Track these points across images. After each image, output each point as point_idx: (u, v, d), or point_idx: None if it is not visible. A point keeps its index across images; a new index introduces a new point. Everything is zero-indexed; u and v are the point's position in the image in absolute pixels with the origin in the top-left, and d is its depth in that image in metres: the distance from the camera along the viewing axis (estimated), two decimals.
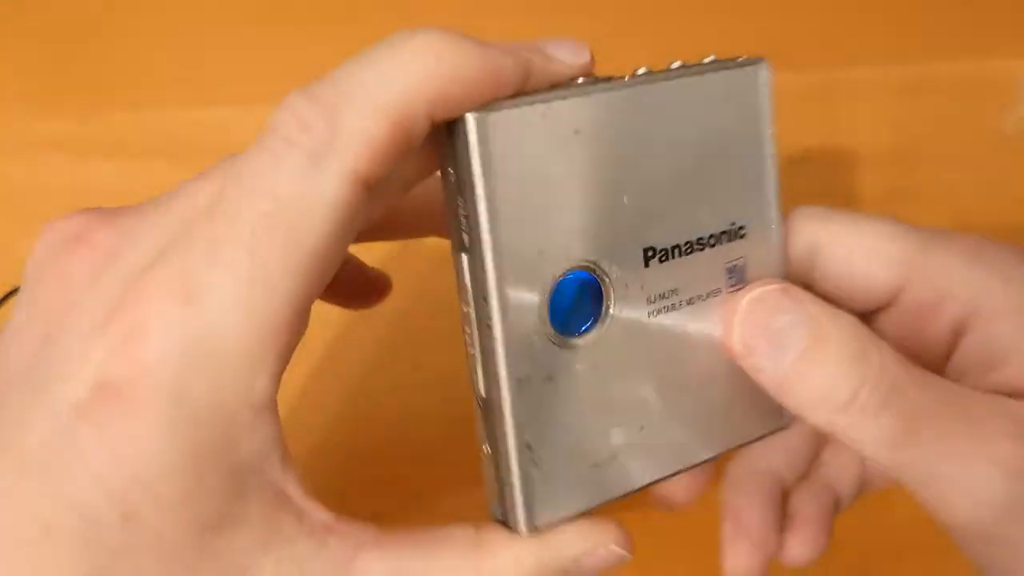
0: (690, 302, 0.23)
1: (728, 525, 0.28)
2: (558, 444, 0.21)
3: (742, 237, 0.23)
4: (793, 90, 0.41)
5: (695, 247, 0.23)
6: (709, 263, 0.23)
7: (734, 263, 0.23)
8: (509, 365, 0.20)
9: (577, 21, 0.41)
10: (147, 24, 0.41)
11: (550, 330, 0.21)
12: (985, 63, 0.41)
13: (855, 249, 0.24)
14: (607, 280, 0.21)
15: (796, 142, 0.40)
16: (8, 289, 0.36)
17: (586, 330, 0.22)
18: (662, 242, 0.22)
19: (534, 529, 0.21)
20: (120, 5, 0.40)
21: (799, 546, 0.28)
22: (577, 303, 0.21)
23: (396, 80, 0.18)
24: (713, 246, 0.23)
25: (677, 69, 0.22)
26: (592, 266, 0.21)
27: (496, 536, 0.21)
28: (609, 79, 0.22)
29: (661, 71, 0.22)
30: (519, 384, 0.20)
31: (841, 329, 0.22)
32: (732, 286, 0.23)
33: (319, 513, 0.20)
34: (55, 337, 0.19)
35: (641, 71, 0.22)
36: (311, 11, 0.40)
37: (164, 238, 0.19)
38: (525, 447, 0.21)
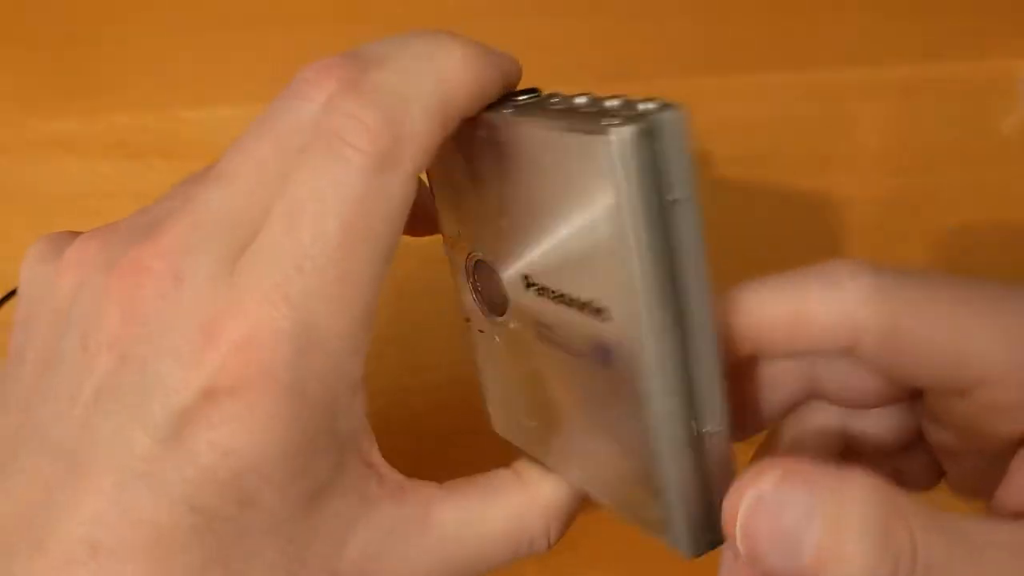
0: (561, 346, 0.21)
1: None
2: (495, 386, 0.25)
3: (604, 321, 0.19)
4: (793, 90, 0.41)
5: (562, 301, 0.20)
6: (575, 325, 0.20)
7: (599, 342, 0.19)
8: (460, 303, 0.24)
9: (584, 20, 0.41)
10: (147, 25, 0.41)
11: (478, 297, 0.24)
12: (985, 63, 0.41)
13: (927, 340, 0.20)
14: (503, 282, 0.22)
15: (795, 142, 0.40)
16: (9, 289, 0.36)
17: (496, 313, 0.23)
18: (536, 278, 0.21)
19: (495, 433, 0.25)
20: (121, 6, 0.41)
21: None
22: (487, 287, 0.23)
23: (443, 88, 0.20)
24: (580, 310, 0.19)
25: (555, 106, 0.20)
26: (487, 264, 0.23)
27: (531, 469, 0.24)
28: (529, 95, 0.21)
29: (544, 104, 0.20)
30: (465, 321, 0.25)
31: (858, 504, 0.18)
32: (599, 362, 0.20)
33: (394, 475, 0.22)
34: (139, 359, 0.19)
35: (550, 97, 0.21)
36: (311, 11, 0.40)
37: (229, 250, 0.20)
38: (478, 368, 0.25)
